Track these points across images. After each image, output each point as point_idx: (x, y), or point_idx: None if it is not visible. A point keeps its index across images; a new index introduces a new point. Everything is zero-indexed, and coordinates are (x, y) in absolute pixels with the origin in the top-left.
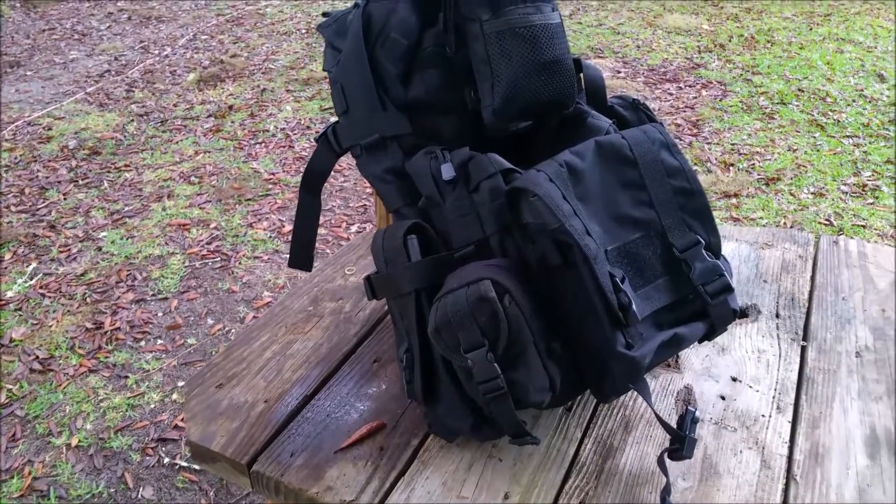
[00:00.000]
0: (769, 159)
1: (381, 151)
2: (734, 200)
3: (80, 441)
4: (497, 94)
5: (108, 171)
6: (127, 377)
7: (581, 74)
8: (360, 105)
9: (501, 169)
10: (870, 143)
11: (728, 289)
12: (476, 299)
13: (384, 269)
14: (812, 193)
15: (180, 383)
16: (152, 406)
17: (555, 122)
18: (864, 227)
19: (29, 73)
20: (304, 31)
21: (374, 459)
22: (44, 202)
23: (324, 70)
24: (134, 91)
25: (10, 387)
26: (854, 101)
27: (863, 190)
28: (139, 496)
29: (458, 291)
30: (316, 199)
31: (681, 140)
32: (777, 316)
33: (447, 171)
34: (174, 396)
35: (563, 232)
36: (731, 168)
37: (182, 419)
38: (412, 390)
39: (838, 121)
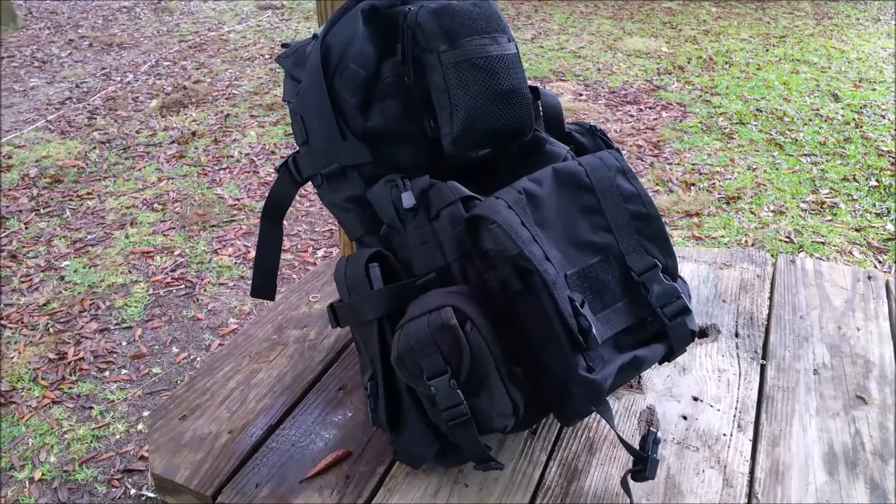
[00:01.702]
0: (729, 178)
1: (341, 180)
2: (696, 219)
3: (43, 474)
4: (456, 123)
5: (71, 200)
6: (91, 408)
7: (539, 102)
8: (320, 135)
9: (461, 196)
10: (827, 161)
11: (685, 310)
12: (438, 326)
13: (347, 298)
14: (772, 211)
15: (146, 413)
16: (118, 437)
17: (514, 149)
18: (823, 243)
19: None
20: (267, 56)
21: (339, 488)
22: (4, 232)
23: (283, 101)
24: (96, 118)
25: None
26: (811, 120)
27: (821, 207)
28: None
29: (420, 319)
30: (277, 229)
31: (642, 161)
32: (736, 335)
33: (408, 200)
34: (140, 426)
35: (522, 258)
36: (692, 188)
37: (148, 449)
38: (377, 418)
39: (796, 140)
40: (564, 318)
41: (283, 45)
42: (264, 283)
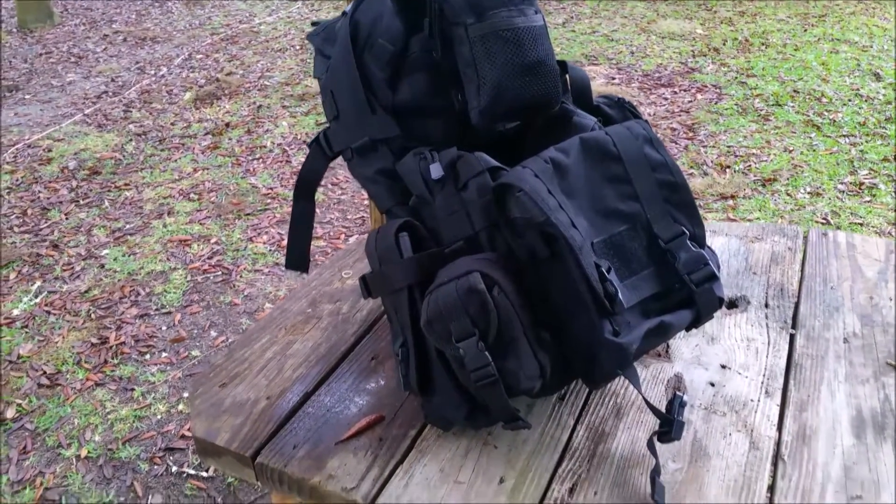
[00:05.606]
0: (765, 160)
1: (371, 154)
2: (731, 202)
3: (89, 452)
4: (483, 96)
5: (109, 191)
6: (133, 390)
7: (567, 76)
8: (350, 110)
9: (489, 167)
10: (866, 141)
11: (713, 277)
12: (466, 291)
13: (378, 268)
14: (809, 193)
15: (186, 394)
16: (159, 417)
17: (541, 121)
18: (861, 224)
19: (27, 96)
20: (298, 47)
21: (373, 449)
22: (46, 222)
23: (314, 77)
24: (131, 111)
25: (20, 402)
26: (850, 100)
27: (860, 188)
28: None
29: (449, 284)
30: (310, 204)
31: (676, 144)
32: (766, 306)
33: (436, 171)
34: (180, 407)
35: (549, 224)
36: (727, 170)
37: (189, 429)
38: (408, 383)
39: (834, 120)
40: (591, 284)
41: (313, 24)
42: (299, 256)
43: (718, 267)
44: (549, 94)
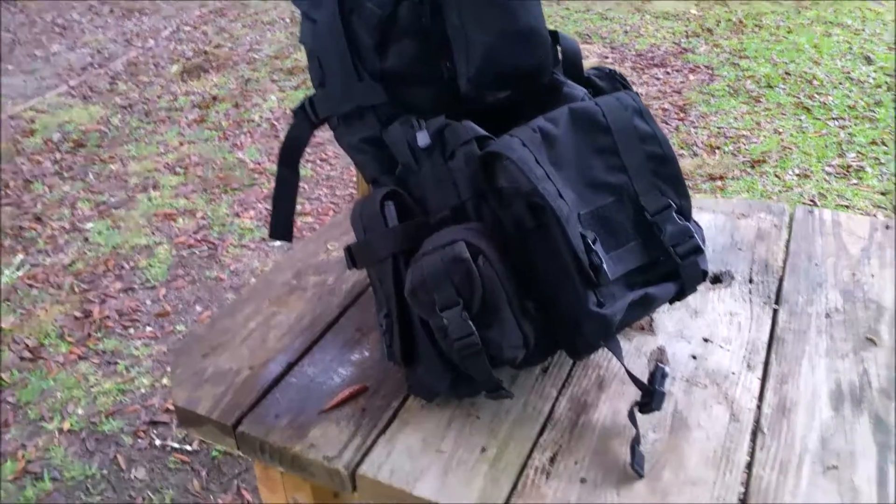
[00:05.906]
0: (755, 142)
1: (357, 122)
2: (719, 183)
3: (72, 425)
4: (471, 63)
5: (93, 164)
6: (117, 363)
7: (558, 47)
8: (337, 76)
9: (476, 136)
10: (855, 124)
11: (698, 250)
12: (450, 260)
13: (362, 237)
14: (797, 175)
15: (170, 368)
16: (143, 391)
17: (531, 91)
18: (847, 206)
19: (10, 67)
20: (288, 20)
21: (356, 419)
22: (29, 195)
23: (300, 42)
24: (117, 83)
25: (1, 374)
26: (841, 83)
27: (847, 171)
28: (132, 477)
29: (434, 253)
30: (294, 172)
31: (667, 124)
32: (750, 281)
33: (422, 139)
34: (164, 381)
35: (535, 194)
36: (716, 151)
37: (173, 403)
38: (392, 353)
39: (824, 103)
40: (576, 255)
41: None
42: (282, 226)
43: (704, 241)
44: (540, 63)
